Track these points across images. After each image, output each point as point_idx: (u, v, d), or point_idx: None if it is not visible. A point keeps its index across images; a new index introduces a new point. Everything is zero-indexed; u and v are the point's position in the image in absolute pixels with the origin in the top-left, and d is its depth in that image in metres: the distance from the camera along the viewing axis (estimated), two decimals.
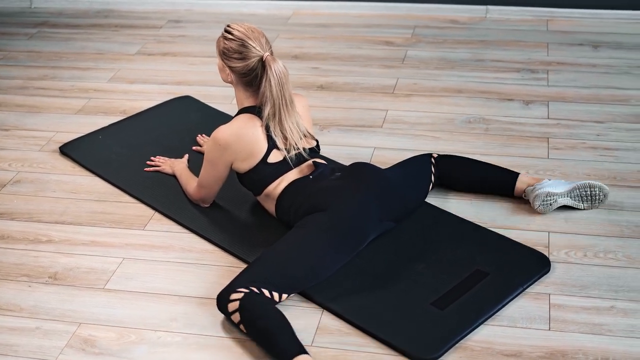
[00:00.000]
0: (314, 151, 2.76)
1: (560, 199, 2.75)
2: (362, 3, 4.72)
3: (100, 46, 4.43)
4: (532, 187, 2.78)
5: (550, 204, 2.74)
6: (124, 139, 3.39)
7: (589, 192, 2.75)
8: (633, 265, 2.55)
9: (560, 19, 4.49)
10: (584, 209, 2.78)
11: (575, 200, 2.76)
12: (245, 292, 2.29)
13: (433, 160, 2.88)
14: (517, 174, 2.84)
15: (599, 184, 2.76)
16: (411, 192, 2.75)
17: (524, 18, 4.53)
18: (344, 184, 2.58)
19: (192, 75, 4.02)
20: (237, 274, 2.42)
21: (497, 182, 2.87)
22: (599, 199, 2.76)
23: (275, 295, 2.35)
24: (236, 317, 2.28)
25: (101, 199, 3.02)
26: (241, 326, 2.28)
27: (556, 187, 2.76)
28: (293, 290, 2.41)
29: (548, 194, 2.73)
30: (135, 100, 3.78)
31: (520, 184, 2.82)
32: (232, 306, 2.29)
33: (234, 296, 2.30)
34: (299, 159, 2.70)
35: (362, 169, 2.67)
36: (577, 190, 2.75)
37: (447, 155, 2.95)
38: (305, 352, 2.16)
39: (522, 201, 2.87)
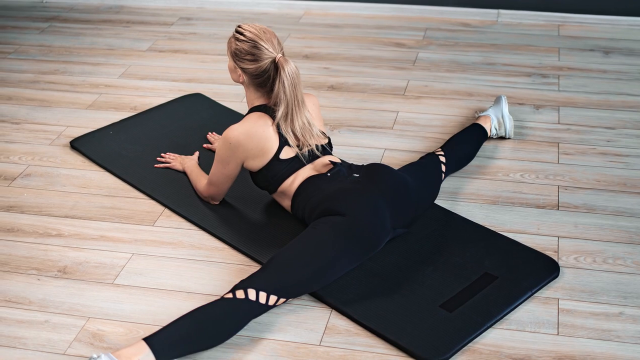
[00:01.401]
0: (326, 149, 2.76)
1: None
2: (374, 4, 4.72)
3: (111, 42, 4.43)
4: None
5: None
6: (134, 134, 3.40)
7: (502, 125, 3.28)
8: None
9: (572, 24, 4.48)
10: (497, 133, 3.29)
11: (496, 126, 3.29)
12: (236, 297, 2.29)
13: (443, 167, 2.89)
14: (484, 130, 3.20)
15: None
16: (424, 197, 2.73)
17: (536, 22, 4.52)
18: (362, 189, 2.55)
19: (202, 72, 4.02)
20: (249, 272, 2.42)
21: (481, 142, 3.19)
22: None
23: (282, 300, 2.35)
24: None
25: (111, 194, 3.03)
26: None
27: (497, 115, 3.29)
28: (299, 294, 2.41)
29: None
30: (146, 97, 3.78)
31: (486, 128, 3.24)
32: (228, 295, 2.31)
33: (237, 293, 2.30)
34: (312, 156, 2.70)
35: (380, 172, 2.63)
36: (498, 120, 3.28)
37: (447, 152, 2.96)
38: None
39: (531, 204, 2.87)
